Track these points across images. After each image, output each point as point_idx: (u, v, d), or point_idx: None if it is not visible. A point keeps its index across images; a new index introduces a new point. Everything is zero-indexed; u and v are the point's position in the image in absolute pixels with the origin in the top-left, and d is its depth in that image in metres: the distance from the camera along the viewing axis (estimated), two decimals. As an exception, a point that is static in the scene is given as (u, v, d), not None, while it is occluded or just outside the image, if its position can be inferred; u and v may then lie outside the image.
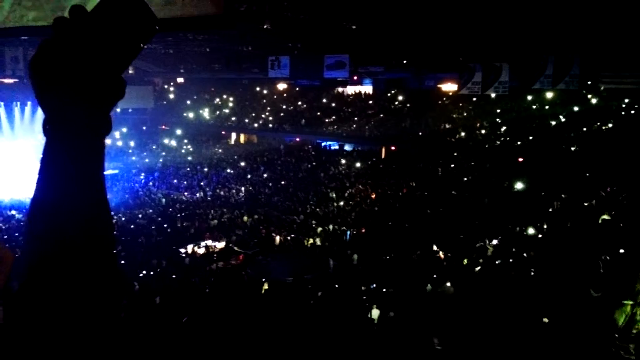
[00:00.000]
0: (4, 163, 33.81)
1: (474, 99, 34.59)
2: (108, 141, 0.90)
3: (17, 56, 33.47)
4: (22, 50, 33.40)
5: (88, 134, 0.87)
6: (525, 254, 16.00)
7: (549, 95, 32.34)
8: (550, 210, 21.49)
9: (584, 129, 29.60)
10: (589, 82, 29.50)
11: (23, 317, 0.84)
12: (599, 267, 12.39)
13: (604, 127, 29.53)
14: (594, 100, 31.38)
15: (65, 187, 0.85)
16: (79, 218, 0.85)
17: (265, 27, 23.30)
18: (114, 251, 0.93)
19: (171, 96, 52.24)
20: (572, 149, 27.93)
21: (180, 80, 51.89)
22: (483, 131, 33.02)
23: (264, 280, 13.71)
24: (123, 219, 23.05)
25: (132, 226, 21.60)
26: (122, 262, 15.96)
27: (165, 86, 53.09)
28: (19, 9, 1.59)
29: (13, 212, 24.53)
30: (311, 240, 19.75)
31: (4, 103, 38.74)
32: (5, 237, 19.24)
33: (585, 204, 21.34)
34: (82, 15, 0.86)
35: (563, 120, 31.28)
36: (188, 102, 49.61)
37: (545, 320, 9.92)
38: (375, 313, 11.34)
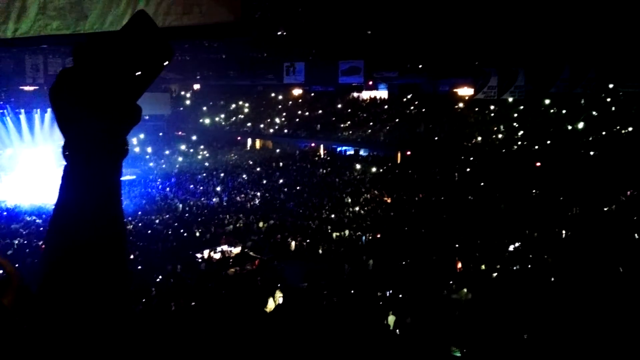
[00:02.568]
0: (24, 169, 34.37)
1: (492, 106, 34.32)
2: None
3: (38, 64, 34.12)
4: (43, 58, 34.02)
5: (105, 158, 0.92)
6: (543, 259, 15.81)
7: (567, 99, 32.00)
8: (570, 215, 21.23)
9: (603, 133, 29.21)
10: (610, 85, 29.13)
11: (40, 317, 0.90)
12: (619, 272, 12.21)
13: (623, 131, 29.12)
14: (612, 104, 30.97)
15: (83, 207, 0.91)
16: (96, 234, 0.91)
17: (280, 33, 23.44)
18: (127, 260, 1.00)
19: (187, 102, 52.72)
20: (591, 153, 27.58)
21: (196, 86, 52.37)
22: (500, 135, 32.76)
23: (279, 285, 13.72)
24: (140, 224, 23.25)
25: (149, 231, 21.77)
26: (139, 267, 16.11)
27: (182, 93, 53.60)
28: (43, 18, 1.63)
29: (33, 217, 24.88)
30: (326, 246, 19.73)
31: (24, 110, 39.38)
32: (25, 242, 19.54)
33: (605, 209, 21.03)
34: (101, 44, 0.90)
35: (581, 124, 30.92)
36: (204, 108, 50.01)
37: (564, 325, 9.78)
38: (391, 319, 11.27)
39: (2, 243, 19.16)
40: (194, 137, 45.87)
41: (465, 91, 35.68)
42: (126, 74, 0.91)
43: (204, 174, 36.07)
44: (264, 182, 33.08)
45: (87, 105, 0.89)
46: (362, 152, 38.62)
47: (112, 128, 0.92)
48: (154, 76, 0.95)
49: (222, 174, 35.58)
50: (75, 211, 0.91)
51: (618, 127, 29.28)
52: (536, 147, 29.84)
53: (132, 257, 17.16)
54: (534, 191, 24.63)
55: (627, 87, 27.92)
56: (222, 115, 48.68)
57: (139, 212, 25.62)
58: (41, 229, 21.72)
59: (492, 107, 35.03)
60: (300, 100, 46.13)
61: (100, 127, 0.90)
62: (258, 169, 36.28)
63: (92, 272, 0.89)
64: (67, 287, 0.88)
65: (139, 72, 0.92)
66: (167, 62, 0.95)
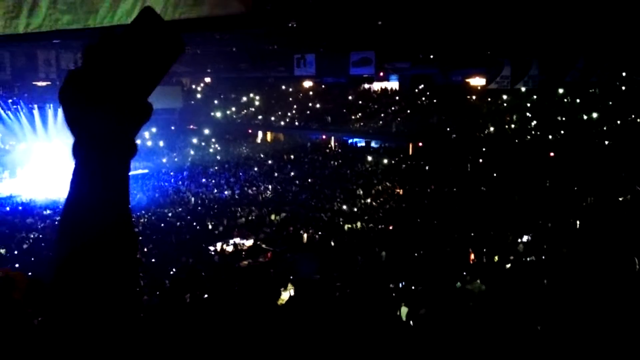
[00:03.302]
0: (38, 164, 34.76)
1: (504, 96, 33.97)
2: (138, 141, 0.94)
3: (50, 59, 34.33)
4: (55, 53, 34.22)
5: (115, 157, 0.93)
6: (557, 251, 15.69)
7: (581, 88, 31.55)
8: (584, 205, 21.02)
9: (618, 122, 28.82)
10: (624, 74, 28.70)
11: (51, 309, 0.92)
12: (635, 265, 12.07)
13: (639, 120, 28.70)
14: (627, 93, 30.50)
15: (92, 205, 0.92)
16: (105, 232, 0.92)
17: (291, 25, 23.34)
18: (135, 256, 1.00)
19: (198, 96, 52.86)
20: (606, 142, 27.23)
21: (207, 80, 52.45)
22: (513, 126, 32.45)
23: (291, 277, 13.77)
24: (153, 217, 23.44)
25: (163, 224, 21.96)
26: (153, 259, 16.25)
27: (193, 86, 53.72)
28: (54, 12, 1.62)
29: (48, 211, 25.19)
30: (338, 238, 19.74)
31: (37, 105, 39.77)
32: (41, 235, 19.79)
33: (620, 199, 20.79)
34: (110, 42, 0.90)
35: (595, 113, 30.51)
36: (215, 101, 50.12)
37: (578, 319, 9.70)
38: (404, 311, 11.27)
39: (17, 237, 19.42)
40: (206, 131, 46.04)
41: (478, 81, 35.34)
42: (135, 72, 0.91)
43: (216, 167, 36.24)
44: (276, 174, 33.15)
45: (96, 105, 0.89)
46: (373, 144, 38.48)
47: (122, 127, 0.92)
48: (163, 72, 0.95)
49: (233, 167, 35.72)
50: (84, 209, 0.92)
51: (633, 116, 28.87)
52: (550, 137, 29.53)
53: (145, 250, 17.31)
54: (547, 182, 24.39)
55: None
56: (234, 108, 48.75)
57: (152, 206, 25.84)
58: (56, 222, 21.99)
59: (504, 97, 34.67)
60: (311, 92, 46.05)
61: (109, 126, 0.91)
62: (270, 162, 36.34)
63: (100, 267, 0.91)
64: (77, 280, 0.90)
65: (148, 69, 0.92)
66: (177, 56, 0.95)
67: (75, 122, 0.92)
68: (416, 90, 40.51)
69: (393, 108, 39.48)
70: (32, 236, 19.72)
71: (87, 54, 0.91)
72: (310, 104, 44.73)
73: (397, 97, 41.14)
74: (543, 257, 15.28)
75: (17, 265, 14.92)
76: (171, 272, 14.96)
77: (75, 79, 0.91)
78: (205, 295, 11.87)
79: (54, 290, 0.92)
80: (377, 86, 43.12)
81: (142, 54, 0.90)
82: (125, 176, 0.95)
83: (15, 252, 17.32)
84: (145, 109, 0.94)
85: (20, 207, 26.67)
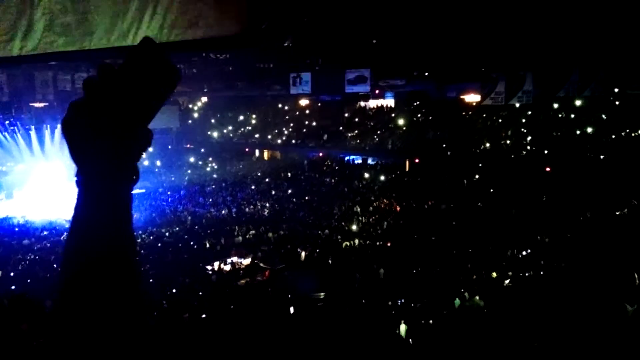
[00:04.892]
0: (35, 185, 34.66)
1: (502, 112, 34.16)
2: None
3: (47, 80, 34.51)
4: (52, 74, 34.39)
5: (118, 184, 0.96)
6: (556, 265, 15.65)
7: (576, 102, 31.76)
8: (582, 219, 21.02)
9: (613, 136, 28.97)
10: (616, 90, 28.94)
11: (56, 332, 0.93)
12: (634, 279, 12.05)
13: (633, 134, 28.87)
14: (621, 107, 30.73)
15: (96, 231, 0.95)
16: (109, 256, 0.95)
17: (287, 44, 23.56)
18: (139, 276, 1.02)
19: (195, 115, 53.01)
20: (601, 157, 27.35)
21: (204, 99, 52.66)
22: (508, 141, 32.60)
23: (289, 296, 13.68)
24: (151, 237, 23.33)
25: (159, 244, 21.84)
26: (150, 280, 16.13)
27: (190, 105, 53.88)
28: (49, 35, 1.64)
29: (45, 232, 25.05)
30: (336, 255, 19.65)
31: (34, 126, 39.80)
32: (38, 257, 19.65)
33: (617, 213, 20.82)
34: (109, 74, 0.92)
35: (590, 127, 30.68)
36: (212, 120, 50.24)
37: (577, 334, 9.65)
38: (403, 328, 11.19)
39: (14, 259, 19.29)
40: (203, 150, 46.04)
41: (473, 97, 35.57)
42: (135, 101, 0.93)
43: (213, 186, 36.18)
44: (273, 192, 33.11)
45: (98, 135, 0.92)
46: (370, 161, 38.55)
47: (124, 155, 0.95)
48: (162, 101, 0.97)
49: (230, 186, 35.68)
50: (89, 237, 0.95)
51: (627, 130, 29.04)
52: (545, 152, 29.64)
53: (143, 269, 17.19)
54: (544, 197, 24.42)
55: (635, 90, 27.70)
56: (230, 127, 48.88)
57: (150, 226, 25.73)
58: (51, 244, 21.87)
59: (500, 113, 34.88)
60: (307, 110, 46.24)
61: (112, 155, 0.94)
62: (267, 180, 36.32)
63: (105, 288, 0.93)
64: (82, 300, 0.92)
65: (147, 98, 0.94)
66: (175, 85, 0.97)
67: (79, 153, 0.95)
68: (412, 107, 40.67)
69: (389, 125, 39.61)
70: (28, 257, 19.58)
71: (87, 86, 0.93)
72: (306, 122, 44.90)
73: (392, 114, 41.32)
74: (541, 272, 15.24)
75: (13, 287, 14.79)
76: (169, 293, 14.83)
77: (76, 110, 0.93)
78: (203, 315, 11.78)
79: (58, 312, 0.93)
80: (372, 103, 43.36)
81: (141, 83, 0.92)
82: (128, 202, 0.97)
83: (12, 274, 17.18)
84: (146, 136, 0.97)
85: (16, 229, 26.52)
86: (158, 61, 0.94)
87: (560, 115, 32.84)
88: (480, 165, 30.72)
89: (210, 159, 44.49)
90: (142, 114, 0.94)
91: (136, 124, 0.94)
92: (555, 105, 32.80)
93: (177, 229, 25.43)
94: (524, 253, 17.68)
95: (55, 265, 17.85)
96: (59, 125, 39.61)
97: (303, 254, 19.88)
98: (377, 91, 39.67)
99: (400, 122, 39.03)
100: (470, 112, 36.27)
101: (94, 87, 0.92)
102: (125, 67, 0.92)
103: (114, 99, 0.91)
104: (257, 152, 47.13)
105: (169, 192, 35.44)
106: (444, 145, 33.96)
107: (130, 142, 0.95)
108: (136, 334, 0.96)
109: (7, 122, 39.50)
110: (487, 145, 32.76)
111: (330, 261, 18.80)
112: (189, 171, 42.00)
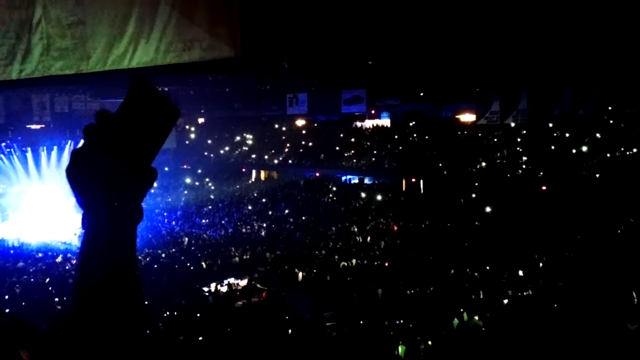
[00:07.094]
0: (31, 207, 34.51)
1: (497, 132, 34.35)
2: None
3: (44, 102, 34.59)
4: (49, 96, 34.52)
5: (122, 224, 0.98)
6: (553, 284, 15.59)
7: (570, 121, 31.96)
8: (579, 238, 21.02)
9: (608, 155, 29.12)
10: (610, 108, 29.18)
11: (54, 354, 0.99)
12: (633, 297, 12.02)
13: (628, 153, 29.02)
14: (616, 126, 30.95)
15: (103, 266, 0.97)
16: (115, 290, 0.98)
17: (282, 65, 23.77)
18: (141, 305, 1.08)
19: (192, 136, 53.12)
20: (597, 175, 27.44)
21: (200, 120, 52.83)
22: (504, 160, 32.72)
23: (287, 317, 13.57)
24: (147, 258, 23.18)
25: (156, 266, 21.69)
26: (146, 302, 15.98)
27: (187, 126, 54.02)
28: (47, 59, 1.66)
29: (40, 254, 24.86)
30: (334, 276, 19.54)
31: (31, 148, 39.79)
32: (32, 279, 19.47)
33: (614, 232, 20.82)
34: (108, 120, 0.94)
35: (585, 146, 30.84)
36: (209, 141, 50.35)
37: (576, 353, 9.58)
38: (401, 349, 11.09)
39: (8, 282, 19.11)
40: (200, 170, 46.05)
41: (468, 117, 35.78)
42: (136, 146, 0.94)
43: (210, 207, 36.10)
44: (270, 212, 33.04)
45: (102, 181, 0.94)
46: (366, 180, 38.59)
47: (128, 196, 0.97)
48: (163, 139, 0.98)
49: (227, 206, 35.61)
50: (95, 273, 0.98)
51: (622, 149, 29.20)
52: (541, 172, 29.73)
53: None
54: (541, 216, 24.43)
55: (630, 108, 27.94)
56: (227, 147, 48.98)
57: (146, 247, 25.59)
58: (45, 267, 21.71)
59: (496, 132, 35.06)
60: (304, 131, 46.43)
61: (116, 198, 0.95)
62: (263, 200, 36.28)
63: (111, 316, 0.96)
64: (90, 324, 0.95)
65: (148, 139, 0.95)
66: (174, 122, 0.98)
67: (83, 197, 0.96)
68: (408, 127, 40.88)
69: (385, 145, 39.74)
70: (23, 280, 19.40)
71: (86, 133, 0.94)
72: (303, 142, 45.03)
73: (389, 134, 41.49)
74: (540, 292, 15.18)
75: (7, 310, 14.62)
76: (165, 314, 14.70)
77: (78, 158, 0.95)
78: (200, 337, 11.66)
79: (65, 339, 0.97)
80: (369, 123, 43.58)
81: (140, 126, 0.94)
82: (132, 239, 1.00)
83: (6, 297, 17.00)
84: (150, 174, 0.98)
85: (11, 251, 26.31)
86: (155, 101, 0.94)
87: (555, 134, 33.02)
88: (476, 184, 30.77)
89: (207, 179, 44.48)
90: (144, 156, 0.96)
91: (139, 164, 0.95)
92: (550, 125, 33.01)
93: (173, 250, 25.29)
94: (522, 272, 17.62)
95: (50, 288, 17.70)
96: (55, 148, 39.77)
97: (300, 274, 19.78)
98: (373, 111, 39.93)
99: (397, 141, 39.19)
100: (466, 132, 36.46)
101: (93, 134, 0.94)
102: (123, 110, 0.93)
103: (114, 144, 0.92)
104: (254, 172, 47.16)
105: (165, 213, 35.33)
106: (440, 165, 34.06)
107: (134, 185, 0.97)
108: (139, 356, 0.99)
109: (3, 144, 39.52)
110: (483, 164, 32.87)
111: (327, 281, 18.70)
112: (186, 192, 41.94)
